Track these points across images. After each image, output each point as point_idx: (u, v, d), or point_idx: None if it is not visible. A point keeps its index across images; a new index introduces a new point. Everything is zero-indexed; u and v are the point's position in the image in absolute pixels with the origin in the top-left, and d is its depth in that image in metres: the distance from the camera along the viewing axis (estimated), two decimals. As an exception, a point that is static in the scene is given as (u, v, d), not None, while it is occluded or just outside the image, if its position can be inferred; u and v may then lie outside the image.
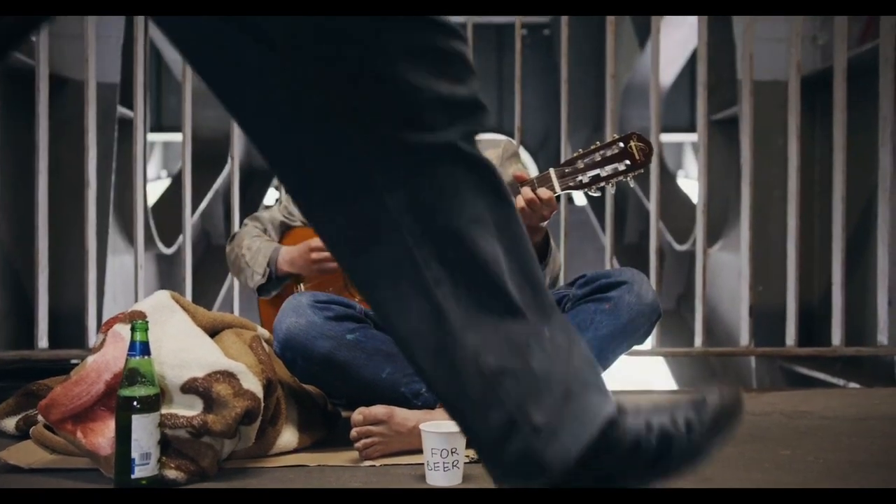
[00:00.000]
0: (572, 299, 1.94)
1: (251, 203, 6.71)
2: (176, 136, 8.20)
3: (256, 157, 8.17)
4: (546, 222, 2.01)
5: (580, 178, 1.94)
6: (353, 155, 0.98)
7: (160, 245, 5.37)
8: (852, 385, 3.24)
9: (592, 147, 1.96)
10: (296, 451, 1.83)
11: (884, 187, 3.00)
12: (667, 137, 7.47)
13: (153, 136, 8.32)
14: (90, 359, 1.68)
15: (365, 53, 0.96)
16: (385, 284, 1.00)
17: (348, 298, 2.03)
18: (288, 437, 1.82)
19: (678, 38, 5.32)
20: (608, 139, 1.99)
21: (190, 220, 3.12)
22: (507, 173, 2.26)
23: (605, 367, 1.92)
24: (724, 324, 4.31)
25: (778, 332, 3.04)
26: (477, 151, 1.01)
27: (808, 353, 3.11)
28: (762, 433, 2.04)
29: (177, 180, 6.85)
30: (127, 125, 3.71)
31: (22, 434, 1.97)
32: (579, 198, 6.79)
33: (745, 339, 2.99)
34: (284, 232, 2.36)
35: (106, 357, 1.64)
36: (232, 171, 3.20)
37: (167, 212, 5.60)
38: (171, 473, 1.58)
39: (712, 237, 4.18)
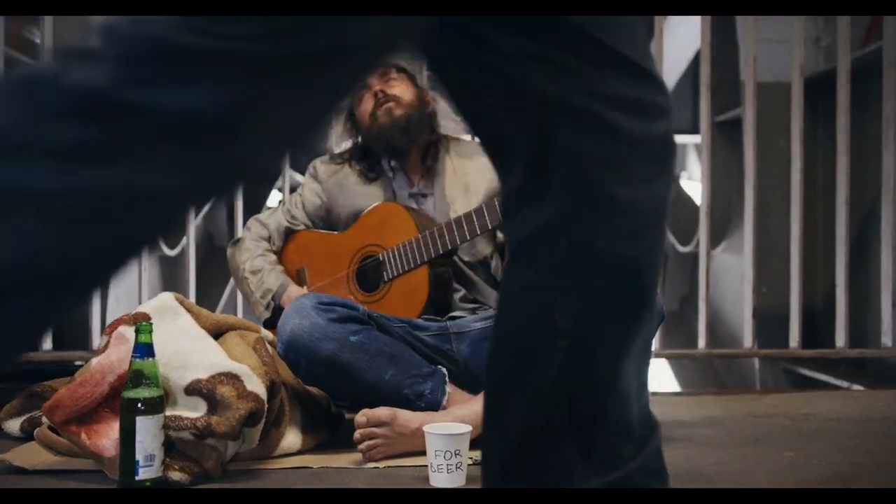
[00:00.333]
0: (575, 301, 1.94)
1: (254, 206, 6.71)
2: (179, 138, 8.22)
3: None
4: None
5: (583, 179, 1.94)
6: None
7: (164, 247, 5.38)
8: (856, 387, 3.24)
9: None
10: (299, 452, 1.83)
11: (887, 189, 3.00)
12: (670, 139, 7.44)
13: (157, 138, 8.31)
14: (94, 360, 1.68)
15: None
16: None
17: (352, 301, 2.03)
18: (291, 438, 1.82)
19: (681, 39, 5.31)
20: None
21: (194, 221, 3.12)
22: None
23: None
24: (728, 325, 4.31)
25: (781, 333, 3.03)
26: None
27: (811, 354, 3.11)
28: (765, 435, 2.04)
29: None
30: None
31: (26, 435, 1.98)
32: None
33: (748, 340, 2.98)
34: (288, 237, 2.37)
35: (110, 359, 1.65)
36: (235, 173, 3.20)
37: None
38: (175, 475, 1.59)
39: (715, 239, 4.18)
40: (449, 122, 2.36)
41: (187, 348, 1.70)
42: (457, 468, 1.60)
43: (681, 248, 5.63)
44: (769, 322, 3.27)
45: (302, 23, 0.71)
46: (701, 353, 3.02)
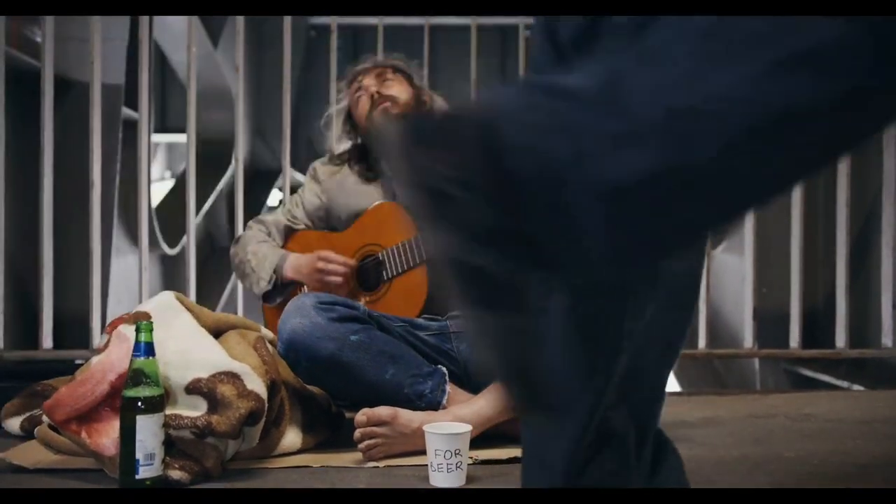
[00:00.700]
0: (576, 301, 1.94)
1: (255, 205, 6.72)
2: (180, 138, 8.22)
3: (260, 158, 8.18)
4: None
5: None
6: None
7: (164, 246, 5.38)
8: (856, 387, 3.24)
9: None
10: (299, 451, 1.83)
11: (888, 190, 3.00)
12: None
13: (157, 138, 8.33)
14: (95, 359, 1.68)
15: None
16: None
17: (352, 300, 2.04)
18: (292, 437, 1.82)
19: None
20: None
21: (194, 221, 3.12)
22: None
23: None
24: (728, 326, 4.30)
25: (782, 334, 3.03)
26: None
27: (811, 355, 3.11)
28: (766, 435, 2.04)
29: (181, 181, 6.87)
30: (131, 126, 3.71)
31: (27, 434, 1.98)
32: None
33: (748, 340, 2.98)
34: (289, 235, 2.37)
35: (111, 357, 1.64)
36: (236, 172, 3.21)
37: (171, 213, 5.61)
38: (176, 474, 1.59)
39: (716, 239, 4.17)
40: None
41: (188, 347, 1.69)
42: (457, 467, 1.60)
43: (681, 249, 5.62)
44: (770, 322, 3.27)
45: None
46: (701, 353, 3.02)
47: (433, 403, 1.87)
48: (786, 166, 0.73)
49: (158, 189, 8.03)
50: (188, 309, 1.79)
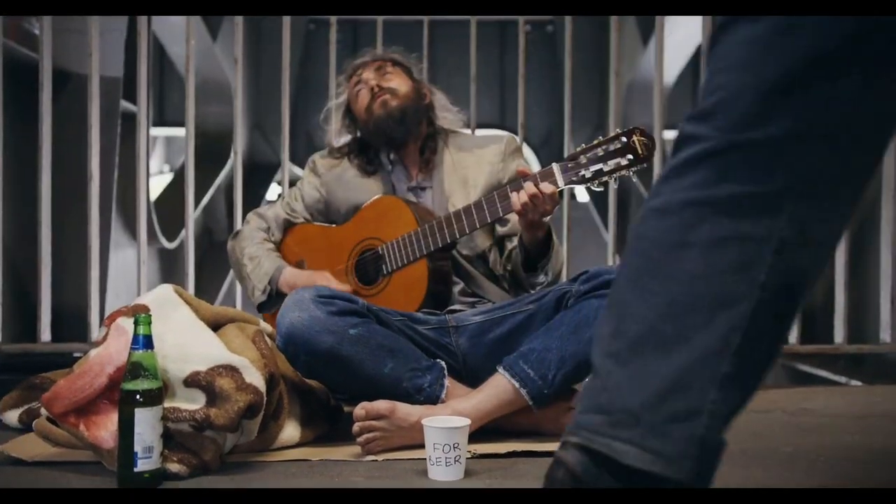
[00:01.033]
0: (575, 295, 1.95)
1: (253, 199, 6.72)
2: (178, 131, 8.21)
3: (259, 152, 8.16)
4: (549, 217, 2.01)
5: (583, 172, 1.94)
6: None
7: (163, 240, 5.38)
8: (854, 383, 3.24)
9: (595, 142, 1.95)
10: (298, 445, 1.83)
11: (888, 187, 3.01)
12: (670, 135, 7.45)
13: (155, 131, 8.32)
14: (93, 352, 1.68)
15: None
16: None
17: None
18: (290, 431, 1.82)
19: (681, 35, 5.31)
20: (611, 135, 1.99)
21: (193, 215, 3.12)
22: (510, 168, 2.27)
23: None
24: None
25: (780, 329, 3.03)
26: None
27: (810, 350, 3.11)
28: (764, 430, 2.04)
29: (179, 175, 6.86)
30: (130, 120, 3.71)
31: (25, 427, 1.98)
32: (582, 194, 6.79)
33: (747, 336, 2.98)
34: (287, 229, 2.37)
35: (109, 350, 1.64)
36: (235, 166, 3.21)
37: (170, 207, 5.60)
38: (174, 467, 1.59)
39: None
40: (447, 114, 2.36)
41: (186, 340, 1.69)
42: (455, 461, 1.60)
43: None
44: (768, 318, 3.26)
45: None
46: (700, 349, 3.01)
47: (432, 397, 1.87)
48: None
49: (157, 183, 8.03)
50: (187, 302, 1.79)
